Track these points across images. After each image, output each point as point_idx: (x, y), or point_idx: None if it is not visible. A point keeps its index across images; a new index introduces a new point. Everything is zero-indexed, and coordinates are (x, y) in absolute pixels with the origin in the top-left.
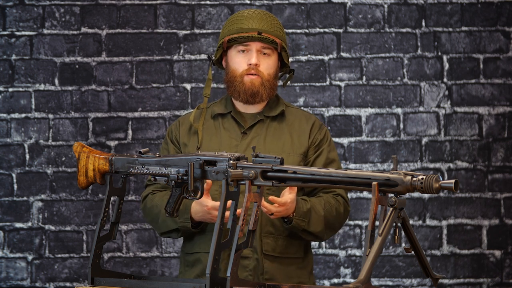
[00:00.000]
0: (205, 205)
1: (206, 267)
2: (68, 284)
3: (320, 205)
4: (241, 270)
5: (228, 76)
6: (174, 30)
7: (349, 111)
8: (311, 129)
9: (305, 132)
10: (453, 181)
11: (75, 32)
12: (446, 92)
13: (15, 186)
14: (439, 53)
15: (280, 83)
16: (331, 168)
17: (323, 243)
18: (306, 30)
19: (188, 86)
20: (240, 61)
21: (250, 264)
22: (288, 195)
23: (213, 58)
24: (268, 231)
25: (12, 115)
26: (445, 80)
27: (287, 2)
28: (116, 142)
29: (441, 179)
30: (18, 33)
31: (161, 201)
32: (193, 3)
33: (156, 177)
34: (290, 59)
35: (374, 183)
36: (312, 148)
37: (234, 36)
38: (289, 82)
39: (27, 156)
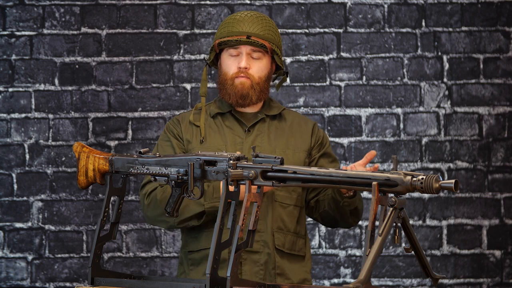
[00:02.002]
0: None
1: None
2: (68, 284)
3: None
4: (252, 265)
5: (220, 78)
6: (174, 30)
7: (349, 111)
8: (312, 130)
9: (307, 132)
10: (453, 181)
11: (75, 32)
12: (446, 92)
13: (15, 186)
14: (439, 53)
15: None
16: (331, 168)
17: (323, 243)
18: (306, 30)
19: (188, 86)
20: (230, 64)
21: (261, 258)
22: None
23: (207, 60)
24: (279, 227)
25: (12, 115)
26: (445, 80)
27: (287, 2)
28: (116, 142)
29: (441, 179)
30: (18, 33)
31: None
32: (193, 3)
33: (156, 177)
34: (290, 59)
35: (374, 183)
36: (316, 147)
37: (224, 39)
38: (288, 81)
39: (27, 156)
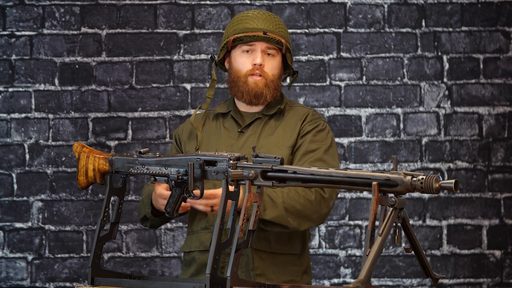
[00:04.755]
0: (154, 192)
1: (200, 266)
2: (68, 284)
3: (281, 192)
4: None
5: (231, 76)
6: (174, 30)
7: (349, 111)
8: (303, 121)
9: (298, 125)
10: (453, 181)
11: (75, 32)
12: (446, 92)
13: (15, 186)
14: (439, 53)
15: (285, 83)
16: (331, 168)
17: (323, 243)
18: (306, 30)
19: (188, 86)
20: (244, 61)
21: (242, 260)
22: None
23: (216, 58)
24: (259, 228)
25: (12, 115)
26: (445, 80)
27: (287, 2)
28: (116, 142)
29: (441, 179)
30: (18, 33)
31: (145, 193)
32: (193, 3)
33: (156, 177)
34: None
35: (374, 183)
36: (299, 139)
37: (239, 35)
38: (288, 82)
39: (27, 156)
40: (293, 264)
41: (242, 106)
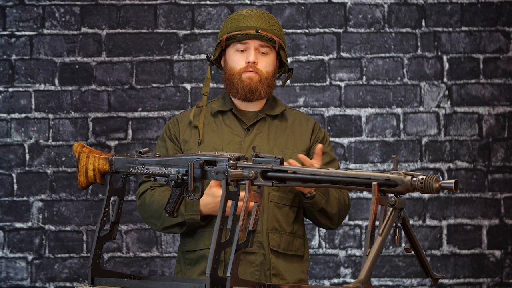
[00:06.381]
0: (217, 196)
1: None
2: (68, 284)
3: (334, 190)
4: (248, 265)
5: (226, 74)
6: (174, 30)
7: (349, 111)
8: (313, 129)
9: (307, 131)
10: (453, 181)
11: (75, 32)
12: (446, 92)
13: (15, 186)
14: (439, 53)
15: (279, 82)
16: (331, 168)
17: (323, 243)
18: (306, 30)
19: (188, 86)
20: (238, 59)
21: (257, 259)
22: (316, 163)
23: (212, 57)
24: (274, 227)
25: (12, 115)
26: (445, 80)
27: (287, 2)
28: (116, 142)
29: (441, 179)
30: (18, 33)
31: (162, 196)
32: (193, 3)
33: (156, 177)
34: (290, 59)
35: (374, 183)
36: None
37: (232, 34)
38: (288, 82)
39: (27, 156)
40: (299, 265)
41: (240, 104)
